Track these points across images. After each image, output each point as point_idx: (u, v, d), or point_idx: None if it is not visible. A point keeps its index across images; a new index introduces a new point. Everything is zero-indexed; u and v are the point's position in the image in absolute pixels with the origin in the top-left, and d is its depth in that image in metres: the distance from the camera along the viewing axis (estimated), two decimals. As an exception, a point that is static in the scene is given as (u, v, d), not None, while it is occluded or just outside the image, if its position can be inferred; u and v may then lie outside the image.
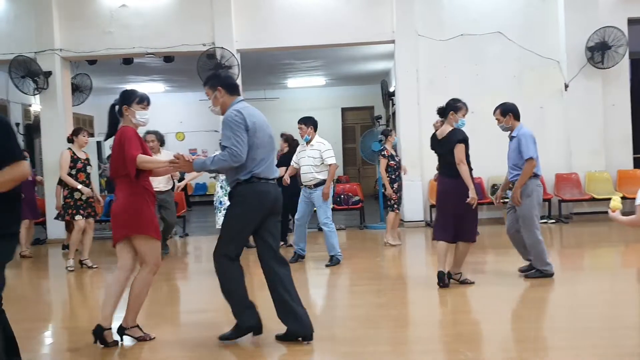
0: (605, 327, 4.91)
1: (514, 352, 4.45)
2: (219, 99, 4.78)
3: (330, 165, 7.93)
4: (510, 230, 6.76)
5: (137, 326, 4.87)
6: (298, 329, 4.65)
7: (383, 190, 9.75)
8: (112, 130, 4.88)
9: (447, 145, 6.26)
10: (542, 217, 11.01)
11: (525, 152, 6.45)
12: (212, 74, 5.21)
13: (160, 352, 4.73)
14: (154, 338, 4.89)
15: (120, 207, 4.72)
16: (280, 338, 4.72)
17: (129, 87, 18.62)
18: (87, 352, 4.80)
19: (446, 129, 6.37)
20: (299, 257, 8.21)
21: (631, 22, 11.53)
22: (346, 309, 6.03)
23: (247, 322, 4.73)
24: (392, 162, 9.31)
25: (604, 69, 11.30)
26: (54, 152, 11.62)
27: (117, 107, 4.87)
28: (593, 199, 11.15)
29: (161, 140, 8.92)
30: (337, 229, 11.58)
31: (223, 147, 4.56)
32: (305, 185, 8.06)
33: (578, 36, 11.28)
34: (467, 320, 5.44)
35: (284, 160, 9.22)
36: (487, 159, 9.59)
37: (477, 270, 6.93)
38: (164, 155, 8.13)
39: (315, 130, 8.07)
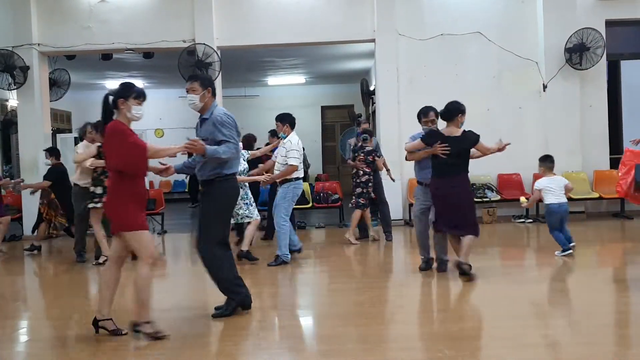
0: (582, 324, 4.97)
1: (492, 350, 4.48)
2: (205, 97, 5.27)
3: (290, 165, 7.75)
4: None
5: (150, 322, 4.83)
6: (243, 301, 5.40)
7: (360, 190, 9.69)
8: (107, 120, 4.83)
9: (465, 144, 6.58)
10: (519, 217, 11.28)
11: None
12: (203, 74, 5.56)
13: (152, 349, 4.70)
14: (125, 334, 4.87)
15: (108, 203, 4.88)
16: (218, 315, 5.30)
17: (107, 83, 18.49)
18: (62, 348, 4.77)
19: (455, 130, 6.61)
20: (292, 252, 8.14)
21: (609, 23, 11.68)
22: (325, 306, 6.04)
23: (240, 299, 5.35)
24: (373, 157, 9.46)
25: (582, 70, 11.43)
26: (31, 147, 11.51)
27: (111, 98, 4.80)
28: (570, 199, 11.23)
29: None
30: (316, 227, 11.70)
31: (219, 143, 5.08)
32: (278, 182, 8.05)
33: (556, 37, 11.39)
34: (445, 318, 5.48)
35: None
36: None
37: (455, 269, 6.97)
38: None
39: (292, 127, 7.99)
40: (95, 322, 4.87)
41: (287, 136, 7.97)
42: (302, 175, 8.03)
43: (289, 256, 7.93)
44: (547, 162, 7.98)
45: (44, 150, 10.14)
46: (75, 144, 14.42)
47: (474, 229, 6.62)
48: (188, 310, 5.80)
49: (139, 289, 4.74)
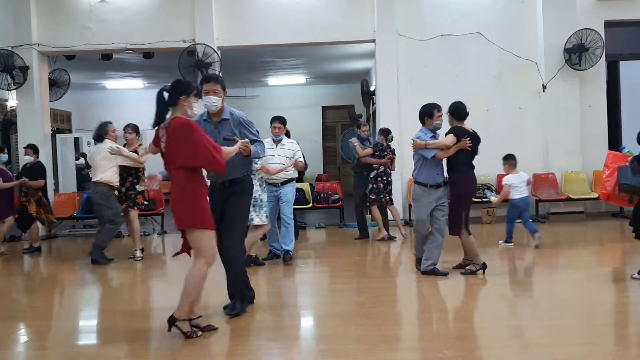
0: (580, 325, 4.98)
1: (492, 350, 4.48)
2: (224, 99, 5.35)
3: (300, 163, 8.07)
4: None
5: (190, 321, 4.81)
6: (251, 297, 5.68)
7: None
8: (161, 117, 4.73)
9: (478, 142, 6.88)
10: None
11: None
12: (220, 77, 5.55)
13: (152, 348, 4.71)
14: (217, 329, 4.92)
15: (178, 201, 4.72)
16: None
17: (107, 83, 18.44)
18: (62, 351, 4.77)
19: (468, 128, 6.85)
20: (274, 256, 8.17)
21: (608, 24, 11.69)
22: (325, 306, 6.04)
23: (251, 299, 5.66)
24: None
25: (581, 70, 11.44)
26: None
27: (166, 95, 4.70)
28: (569, 199, 11.28)
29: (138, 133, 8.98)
30: (316, 227, 11.72)
31: (253, 142, 5.23)
32: (270, 184, 8.00)
33: (556, 38, 11.41)
34: (445, 318, 5.48)
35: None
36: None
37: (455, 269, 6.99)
38: (141, 149, 8.66)
39: None
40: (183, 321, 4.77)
41: (282, 138, 8.09)
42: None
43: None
44: (510, 160, 8.73)
45: (25, 147, 10.15)
46: (76, 144, 14.45)
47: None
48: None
49: (191, 286, 4.72)
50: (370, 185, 9.67)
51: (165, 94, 4.70)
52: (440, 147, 6.69)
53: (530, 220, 8.74)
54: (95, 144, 8.94)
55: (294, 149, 8.01)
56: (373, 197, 9.64)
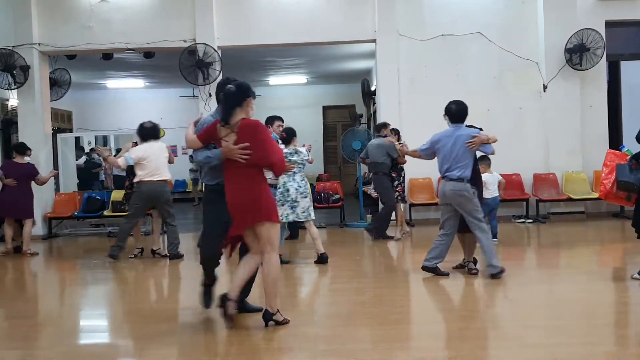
0: (580, 325, 4.98)
1: (492, 350, 4.49)
2: None
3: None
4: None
5: (278, 311, 4.98)
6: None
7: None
8: (228, 117, 4.85)
9: None
10: (519, 217, 11.30)
11: None
12: None
13: (152, 348, 4.72)
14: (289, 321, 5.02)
15: (254, 195, 4.80)
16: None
17: (108, 82, 18.38)
18: (61, 350, 4.78)
19: None
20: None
21: (609, 24, 11.68)
22: (326, 306, 6.05)
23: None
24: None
25: (582, 70, 11.43)
26: (32, 147, 11.49)
27: (230, 96, 4.87)
28: (570, 199, 11.28)
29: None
30: (317, 227, 11.68)
31: None
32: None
33: (557, 38, 11.40)
34: (446, 318, 5.49)
35: None
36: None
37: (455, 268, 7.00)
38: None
39: None
40: (224, 299, 4.86)
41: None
42: None
43: None
44: (485, 160, 8.67)
45: (27, 149, 10.17)
46: (77, 143, 14.44)
47: None
48: (188, 310, 5.80)
49: (273, 280, 4.88)
50: (404, 184, 9.94)
51: (230, 97, 4.88)
52: (495, 142, 6.62)
53: (496, 225, 8.99)
54: (138, 143, 8.62)
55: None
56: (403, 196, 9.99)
